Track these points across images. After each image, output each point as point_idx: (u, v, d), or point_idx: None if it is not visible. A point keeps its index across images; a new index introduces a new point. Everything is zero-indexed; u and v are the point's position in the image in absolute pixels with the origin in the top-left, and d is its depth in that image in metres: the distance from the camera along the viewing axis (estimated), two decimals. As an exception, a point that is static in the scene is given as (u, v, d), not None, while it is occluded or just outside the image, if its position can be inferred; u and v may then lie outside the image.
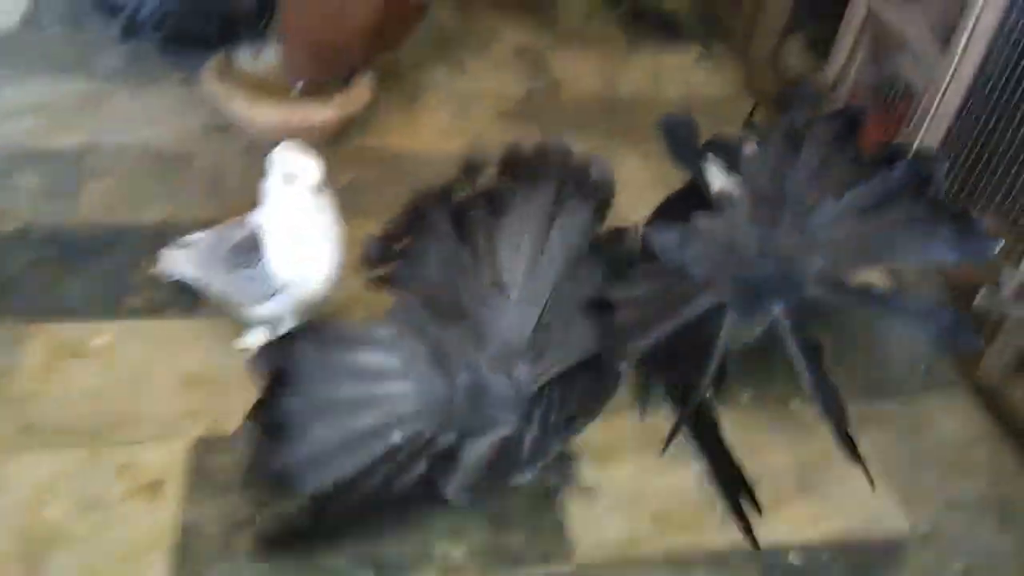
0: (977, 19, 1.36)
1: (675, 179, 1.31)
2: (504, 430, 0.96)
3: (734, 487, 1.08)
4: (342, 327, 1.04)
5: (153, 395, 1.15)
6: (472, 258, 1.01)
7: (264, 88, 1.62)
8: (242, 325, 1.23)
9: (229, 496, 1.03)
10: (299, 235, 1.12)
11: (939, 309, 1.15)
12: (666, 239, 1.13)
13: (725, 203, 1.18)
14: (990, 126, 1.43)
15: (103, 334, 1.22)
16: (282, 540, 0.95)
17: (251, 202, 1.15)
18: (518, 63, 2.01)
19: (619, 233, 1.03)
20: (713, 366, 1.10)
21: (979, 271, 1.37)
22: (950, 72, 1.41)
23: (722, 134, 1.29)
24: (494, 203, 1.02)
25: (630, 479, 1.13)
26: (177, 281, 1.26)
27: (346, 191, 1.51)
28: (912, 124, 1.50)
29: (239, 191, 1.48)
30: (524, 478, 0.97)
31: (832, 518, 1.12)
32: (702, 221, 1.16)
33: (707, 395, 1.13)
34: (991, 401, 1.30)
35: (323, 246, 1.14)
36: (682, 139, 1.23)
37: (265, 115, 1.57)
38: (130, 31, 1.70)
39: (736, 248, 1.16)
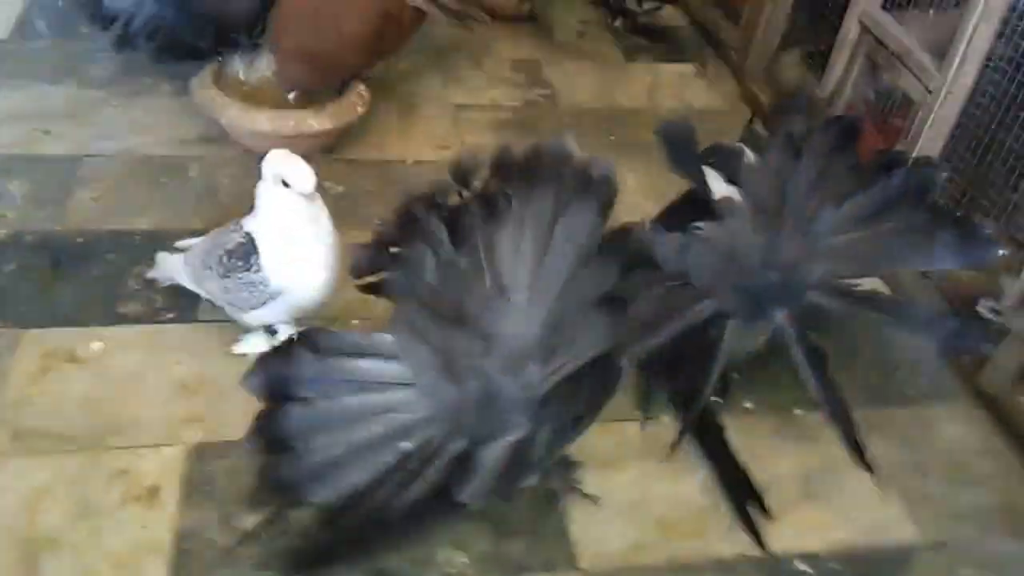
0: (973, 32, 1.42)
1: (672, 191, 1.34)
2: (516, 433, 0.98)
3: (741, 493, 1.10)
4: (342, 336, 1.04)
5: (149, 401, 1.16)
6: (470, 263, 1.01)
7: (257, 97, 1.65)
8: (238, 330, 1.24)
9: (227, 502, 1.05)
10: (293, 241, 1.14)
11: (944, 316, 1.18)
12: (667, 246, 1.16)
13: (726, 211, 1.21)
14: (988, 138, 1.48)
15: (97, 340, 1.23)
16: (304, 559, 0.95)
17: (244, 210, 1.18)
18: (514, 75, 2.06)
19: (626, 231, 1.05)
20: (716, 373, 1.12)
21: (978, 281, 1.42)
22: (947, 85, 1.47)
23: (721, 142, 1.33)
24: (490, 207, 1.02)
25: (633, 486, 1.15)
26: (172, 286, 1.28)
27: (340, 200, 1.55)
28: (909, 136, 1.55)
29: (232, 199, 1.51)
30: (535, 479, 0.98)
31: (839, 526, 1.14)
32: (703, 229, 1.19)
33: (712, 402, 1.15)
34: (995, 410, 1.33)
35: (317, 252, 1.16)
36: (681, 146, 1.26)
37: (258, 124, 1.60)
38: (123, 41, 1.73)
39: (738, 256, 1.19)
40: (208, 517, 1.03)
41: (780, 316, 1.18)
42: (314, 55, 1.64)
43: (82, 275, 1.34)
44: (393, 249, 1.03)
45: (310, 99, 1.66)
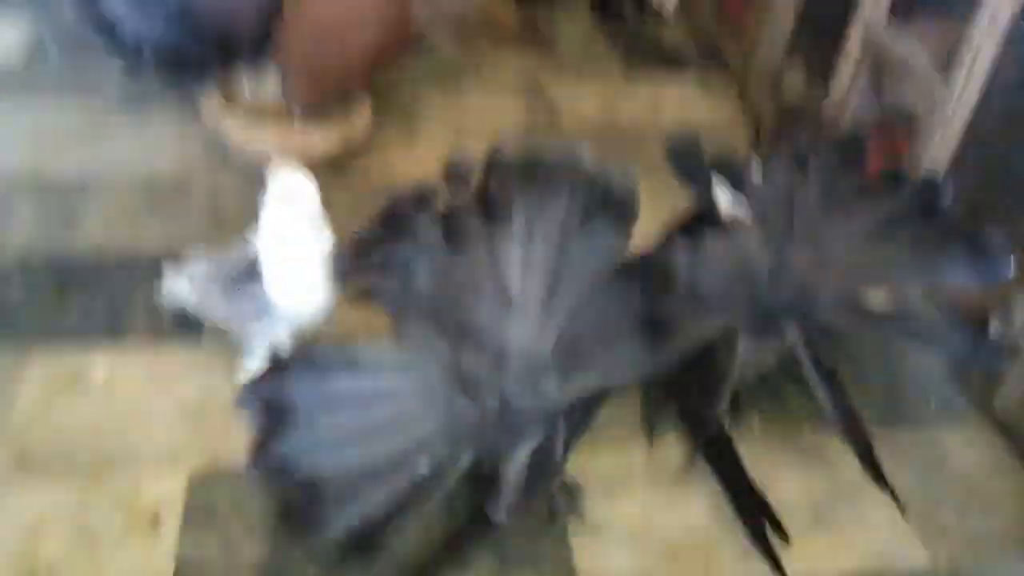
0: (979, 44, 1.39)
1: (678, 206, 1.33)
2: (533, 442, 0.95)
3: (757, 515, 1.07)
4: (338, 351, 1.00)
5: (152, 425, 1.14)
6: (470, 269, 0.98)
7: (263, 114, 1.64)
8: (243, 353, 1.23)
9: (231, 530, 1.02)
10: (296, 257, 1.13)
11: (958, 332, 1.15)
12: (675, 261, 1.14)
13: (735, 225, 1.19)
14: (996, 152, 1.46)
15: (102, 363, 1.21)
16: None
17: (251, 228, 1.16)
18: (517, 91, 2.04)
19: (648, 256, 1.01)
20: (727, 391, 1.10)
21: (989, 299, 1.39)
22: (953, 98, 1.44)
23: (728, 154, 1.31)
24: (489, 210, 0.99)
25: (639, 512, 1.13)
26: (177, 308, 1.26)
27: (344, 216, 1.54)
28: (915, 150, 1.53)
29: (238, 217, 1.48)
30: (559, 479, 0.95)
31: (850, 551, 1.11)
32: (712, 243, 1.17)
33: (723, 421, 1.13)
34: (1008, 432, 1.30)
35: (321, 269, 1.14)
36: (689, 158, 1.24)
37: (264, 141, 1.59)
38: (134, 61, 1.73)
39: (748, 271, 1.17)
40: (211, 545, 1.01)
41: (791, 332, 1.16)
42: (319, 71, 1.63)
43: (88, 297, 1.32)
44: (378, 252, 0.99)
45: (316, 115, 1.65)
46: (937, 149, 1.48)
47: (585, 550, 1.07)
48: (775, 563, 1.04)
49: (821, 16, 1.93)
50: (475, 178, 0.99)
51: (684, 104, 2.09)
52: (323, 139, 1.62)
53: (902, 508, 1.09)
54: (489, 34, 2.11)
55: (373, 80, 1.74)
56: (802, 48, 1.98)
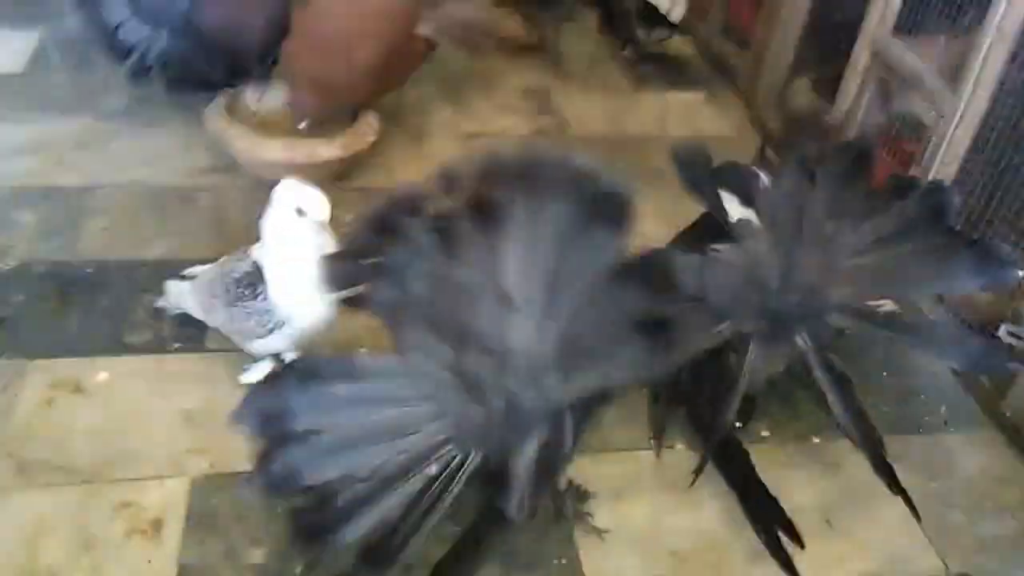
0: (986, 56, 1.41)
1: (686, 217, 1.34)
2: (539, 437, 0.95)
3: (770, 520, 1.07)
4: (336, 362, 1.00)
5: (154, 432, 1.15)
6: (467, 273, 0.97)
7: (269, 127, 1.66)
8: (246, 359, 1.23)
9: (232, 536, 1.03)
10: (300, 269, 1.14)
11: (967, 337, 1.16)
12: (685, 268, 1.15)
13: (744, 233, 1.20)
14: (1003, 162, 1.47)
15: (103, 370, 1.22)
16: None
17: (253, 239, 1.17)
18: (524, 104, 2.07)
19: (649, 254, 1.01)
20: (738, 396, 1.10)
21: (996, 305, 1.39)
22: (960, 109, 1.46)
23: (735, 162, 1.32)
24: (485, 215, 0.98)
25: (647, 517, 1.13)
26: (179, 316, 1.27)
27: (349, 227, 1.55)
28: (923, 160, 1.54)
29: (242, 228, 1.50)
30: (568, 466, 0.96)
31: (861, 555, 1.11)
32: (721, 251, 1.18)
33: (734, 426, 1.13)
34: (1018, 437, 1.30)
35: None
36: (696, 168, 1.25)
37: (269, 154, 1.61)
38: (138, 72, 1.75)
39: (757, 278, 1.18)
40: (213, 551, 1.01)
41: (801, 338, 1.17)
42: (325, 83, 1.65)
43: (90, 305, 1.33)
44: (369, 259, 0.97)
45: (321, 128, 1.67)
46: (945, 157, 1.50)
47: (593, 556, 1.07)
48: (788, 567, 1.04)
49: (828, 27, 1.95)
50: (468, 183, 0.99)
51: (692, 115, 2.11)
52: (329, 151, 1.63)
53: (916, 512, 1.09)
54: (497, 46, 2.13)
55: (381, 93, 1.76)
56: (809, 59, 2.01)
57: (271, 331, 1.17)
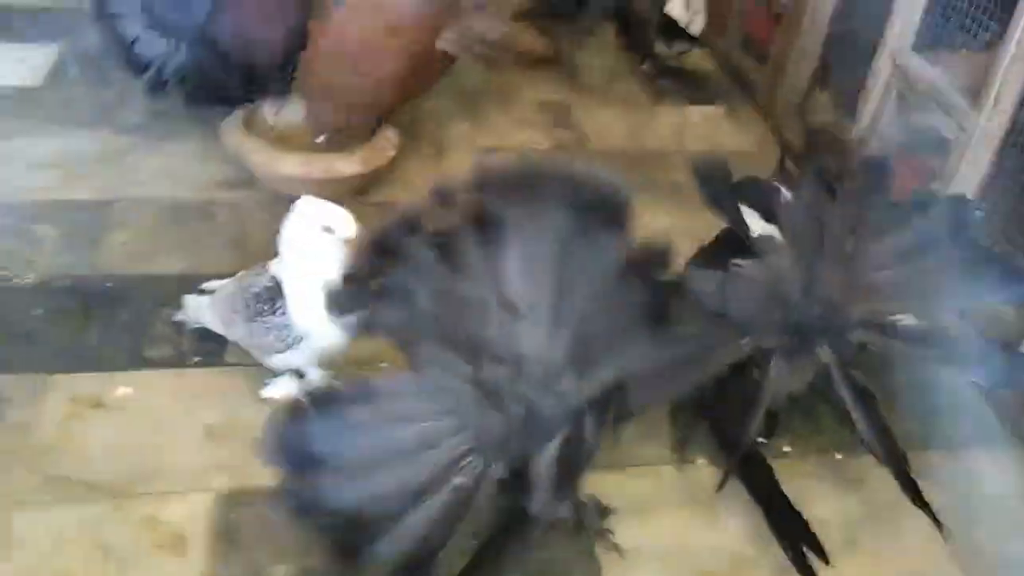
0: (1007, 71, 1.43)
1: (706, 231, 1.36)
2: (561, 438, 0.99)
3: (795, 535, 1.09)
4: (357, 386, 1.04)
5: (176, 447, 1.17)
6: (472, 285, 1.01)
7: (286, 142, 1.70)
8: (266, 374, 1.26)
9: (255, 551, 1.05)
10: (319, 285, 1.16)
11: (991, 352, 1.17)
12: (707, 284, 1.17)
13: (766, 248, 1.22)
14: (1024, 177, 1.49)
15: (124, 385, 1.25)
16: None
17: (272, 253, 1.21)
18: (542, 118, 2.10)
19: (649, 249, 1.05)
20: (761, 410, 1.12)
21: (1019, 321, 1.40)
22: (981, 124, 1.48)
23: (755, 177, 1.35)
24: (484, 228, 1.01)
25: (670, 533, 1.14)
26: (198, 330, 1.30)
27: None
28: (944, 176, 1.56)
29: (261, 243, 1.54)
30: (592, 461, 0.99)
31: (885, 574, 1.12)
32: (743, 266, 1.20)
33: (758, 442, 1.14)
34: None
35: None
36: (716, 182, 1.28)
37: (287, 168, 1.64)
38: (156, 86, 1.80)
39: (779, 292, 1.20)
40: (236, 566, 1.04)
41: (824, 354, 1.19)
42: (344, 97, 1.69)
43: (111, 319, 1.37)
44: (374, 282, 1.01)
45: (340, 142, 1.70)
46: (967, 172, 1.52)
47: (615, 571, 1.09)
48: None
49: (848, 42, 1.98)
50: (464, 197, 1.02)
51: (711, 129, 2.14)
52: (347, 166, 1.67)
53: (942, 529, 1.10)
54: (516, 60, 2.17)
55: (399, 107, 1.80)
56: (829, 73, 2.04)
57: (290, 346, 1.20)
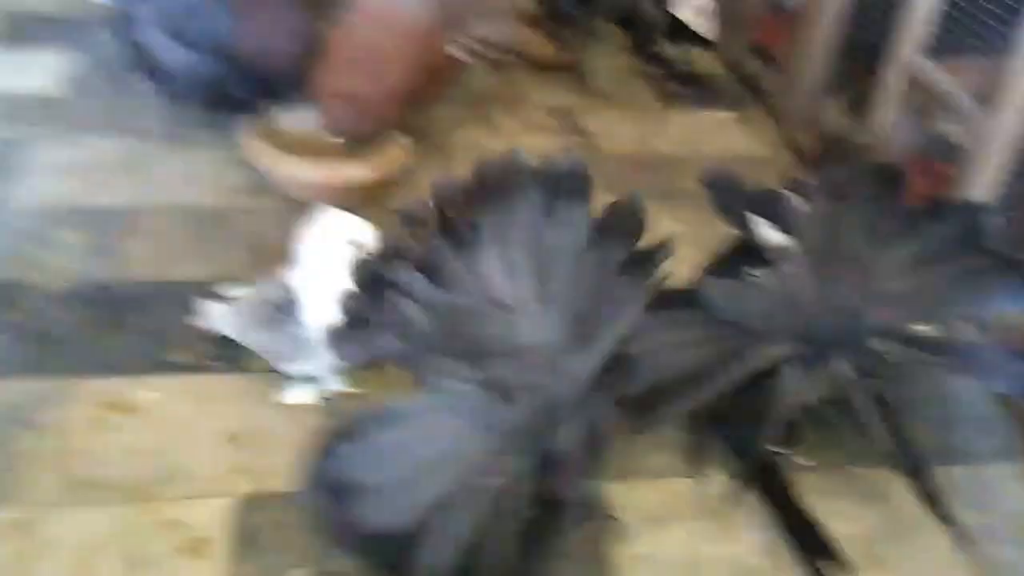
0: (1019, 77, 1.44)
1: (715, 238, 1.37)
2: (577, 416, 1.02)
3: (813, 549, 1.10)
4: (375, 411, 1.06)
5: (198, 451, 1.20)
6: (460, 294, 1.05)
7: (302, 149, 1.72)
8: (284, 379, 1.29)
9: (275, 554, 1.08)
10: (335, 294, 1.18)
11: (1011, 362, 1.17)
12: (721, 294, 1.18)
13: (780, 258, 1.23)
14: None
15: (149, 390, 1.28)
16: None
17: (289, 260, 1.23)
18: (551, 122, 2.12)
19: (616, 206, 1.10)
20: (776, 420, 1.13)
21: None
22: (996, 131, 1.48)
23: (766, 187, 1.36)
24: (457, 236, 1.07)
25: (684, 547, 1.15)
26: (220, 335, 1.33)
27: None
28: (959, 183, 1.57)
29: (277, 248, 1.56)
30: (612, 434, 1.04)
31: (907, 593, 1.12)
32: (758, 276, 1.21)
33: (774, 453, 1.16)
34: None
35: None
36: (727, 192, 1.29)
37: (302, 175, 1.67)
38: (176, 94, 1.83)
39: (796, 303, 1.21)
40: (256, 569, 1.06)
41: (840, 364, 1.20)
42: (358, 99, 1.71)
43: (134, 325, 1.40)
44: (369, 316, 1.07)
45: (354, 144, 1.73)
46: (982, 179, 1.52)
47: (628, 582, 1.10)
48: None
49: (859, 47, 1.99)
50: (431, 215, 1.09)
51: (722, 134, 2.15)
52: (360, 172, 1.69)
53: (967, 542, 1.11)
54: (525, 64, 2.19)
55: (411, 112, 1.82)
56: (841, 79, 2.04)
57: (308, 355, 1.23)
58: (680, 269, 1.35)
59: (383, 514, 0.97)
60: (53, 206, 1.64)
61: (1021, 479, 1.30)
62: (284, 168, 1.68)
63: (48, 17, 2.29)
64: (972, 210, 1.30)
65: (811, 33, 2.05)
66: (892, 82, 1.77)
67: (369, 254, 1.11)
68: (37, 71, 2.05)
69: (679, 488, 1.22)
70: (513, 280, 1.06)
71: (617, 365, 1.04)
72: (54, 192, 1.68)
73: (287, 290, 1.23)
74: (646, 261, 1.06)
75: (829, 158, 1.48)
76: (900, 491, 1.20)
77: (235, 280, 1.39)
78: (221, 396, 1.29)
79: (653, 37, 2.35)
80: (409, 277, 1.05)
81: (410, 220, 1.09)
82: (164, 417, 1.25)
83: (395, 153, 1.75)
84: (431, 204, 1.09)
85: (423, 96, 1.85)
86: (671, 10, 2.28)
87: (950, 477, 1.25)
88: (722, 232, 1.36)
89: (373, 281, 1.07)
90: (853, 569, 1.10)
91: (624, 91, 2.31)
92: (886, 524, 1.19)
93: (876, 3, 1.97)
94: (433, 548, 0.95)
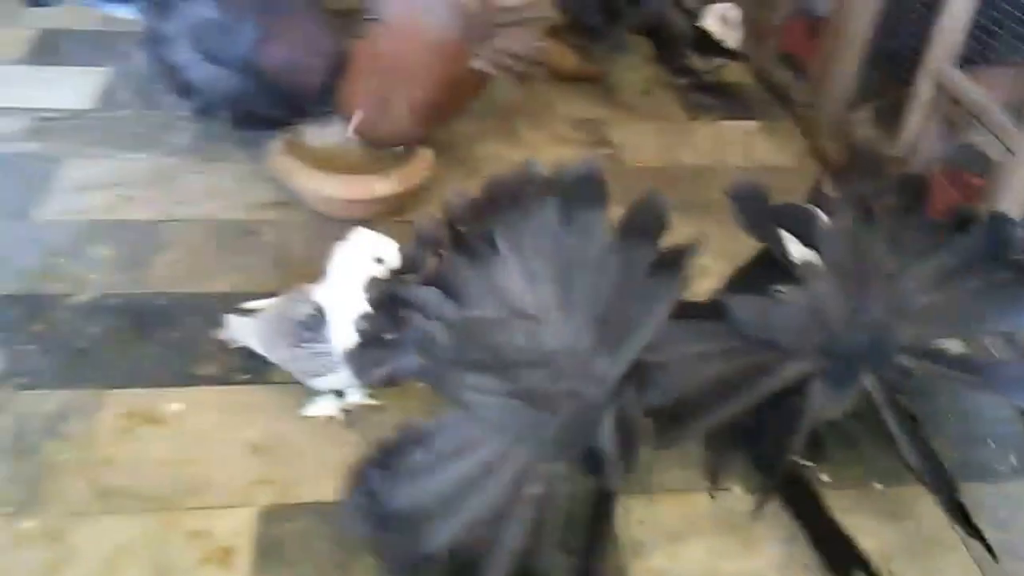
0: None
1: (743, 250, 1.38)
2: (612, 413, 1.05)
3: (846, 560, 1.11)
4: (407, 432, 1.07)
5: (223, 462, 1.24)
6: (483, 310, 1.07)
7: (327, 164, 1.76)
8: (308, 392, 1.32)
9: (298, 565, 1.11)
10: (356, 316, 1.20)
11: None
12: (749, 312, 1.20)
13: (808, 274, 1.24)
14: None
15: (176, 401, 1.32)
16: None
17: (315, 272, 1.26)
18: (576, 134, 2.15)
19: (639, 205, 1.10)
20: (803, 433, 1.15)
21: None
22: (1026, 143, 1.49)
23: (791, 203, 1.37)
24: (474, 251, 1.09)
25: (703, 563, 1.17)
26: (244, 348, 1.37)
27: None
28: (991, 196, 1.56)
29: (304, 262, 1.62)
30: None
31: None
32: (785, 292, 1.22)
33: (802, 465, 1.17)
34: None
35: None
36: (753, 205, 1.30)
37: (327, 189, 1.72)
38: (203, 110, 1.89)
39: (823, 318, 1.22)
40: (282, 579, 1.10)
41: (867, 379, 1.21)
42: (385, 106, 1.75)
43: (162, 337, 1.45)
44: (388, 336, 1.09)
45: (379, 152, 1.78)
46: (1013, 190, 1.52)
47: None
48: None
49: (889, 57, 1.99)
50: (444, 233, 1.11)
51: (749, 145, 2.16)
52: (384, 186, 1.73)
53: (993, 553, 1.11)
54: (550, 77, 2.22)
55: (436, 126, 1.86)
56: (871, 89, 2.05)
57: (332, 370, 1.26)
58: (705, 281, 1.38)
59: (436, 537, 1.00)
60: (83, 220, 1.70)
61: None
62: (310, 182, 1.72)
63: (79, 34, 2.37)
64: (998, 222, 1.30)
65: (840, 42, 2.06)
66: (922, 92, 1.78)
67: (382, 273, 1.14)
68: (68, 87, 2.13)
69: (699, 502, 1.23)
70: (534, 289, 1.08)
71: (638, 373, 1.06)
72: (84, 206, 1.74)
73: (314, 306, 1.26)
74: (673, 262, 1.07)
75: (857, 169, 1.48)
76: (920, 508, 1.21)
77: (260, 292, 1.43)
78: (245, 408, 1.33)
79: (680, 48, 2.37)
80: (424, 294, 1.08)
81: (423, 238, 1.12)
82: (190, 428, 1.29)
83: (419, 166, 1.79)
84: (442, 220, 1.12)
85: (448, 109, 1.88)
86: (698, 21, 2.29)
87: (973, 494, 1.25)
88: (747, 245, 1.37)
89: (388, 300, 1.10)
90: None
91: (650, 102, 2.33)
92: (905, 541, 1.20)
93: (907, 12, 1.98)
94: (491, 562, 0.98)
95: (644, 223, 1.09)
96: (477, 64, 1.85)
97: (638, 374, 1.07)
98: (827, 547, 1.14)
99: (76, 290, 1.53)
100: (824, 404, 1.19)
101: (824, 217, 1.34)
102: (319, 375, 1.28)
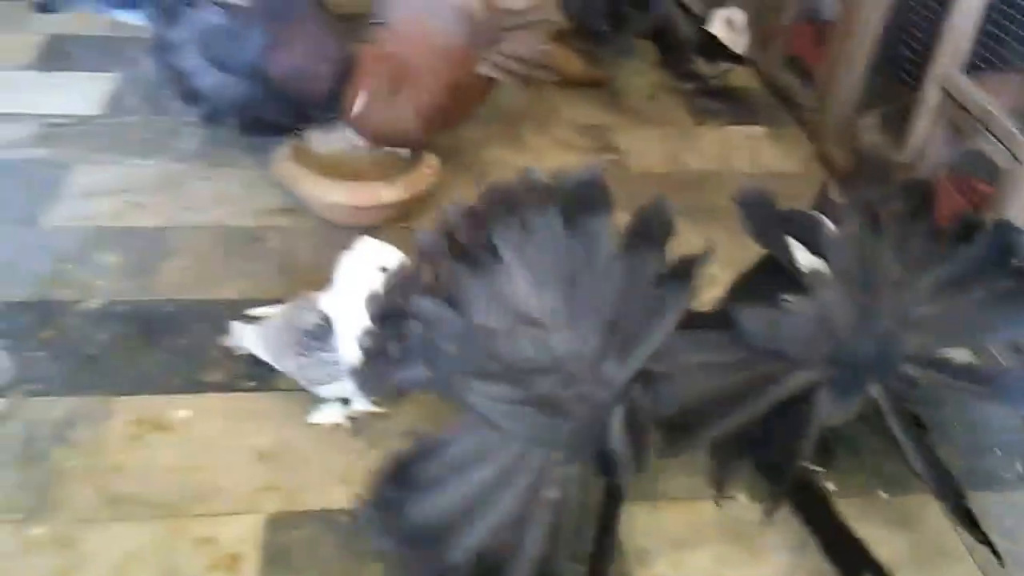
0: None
1: (747, 258, 1.38)
2: (620, 413, 1.07)
3: (857, 568, 1.11)
4: (419, 445, 1.08)
5: (230, 469, 1.25)
6: (488, 319, 1.08)
7: (333, 170, 1.78)
8: (314, 400, 1.34)
9: (304, 571, 1.12)
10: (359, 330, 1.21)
11: None
12: (757, 322, 1.21)
13: (816, 283, 1.24)
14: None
15: (183, 408, 1.34)
16: None
17: (321, 279, 1.28)
18: (582, 140, 2.16)
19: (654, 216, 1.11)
20: (811, 440, 1.15)
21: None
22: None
23: (797, 209, 1.38)
24: (476, 260, 1.09)
25: (708, 570, 1.17)
26: (251, 355, 1.39)
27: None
28: (998, 204, 1.57)
29: (310, 269, 1.63)
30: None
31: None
32: (792, 301, 1.23)
33: (811, 471, 1.18)
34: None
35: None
36: (760, 211, 1.31)
37: (333, 196, 1.73)
38: (211, 116, 1.91)
39: (831, 327, 1.22)
40: (287, 586, 1.11)
41: (874, 387, 1.21)
42: (388, 102, 1.77)
43: (169, 343, 1.46)
44: (391, 349, 1.10)
45: (385, 159, 1.80)
46: (1021, 200, 1.52)
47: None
48: None
49: (897, 62, 2.00)
50: (446, 244, 1.11)
51: (755, 150, 2.17)
52: (390, 192, 1.74)
53: (1000, 558, 1.12)
54: (556, 82, 2.23)
55: (442, 131, 1.87)
56: (877, 95, 2.05)
57: (338, 378, 1.27)
58: (711, 289, 1.38)
59: (460, 546, 1.01)
60: (90, 226, 1.72)
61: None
62: (316, 189, 1.74)
63: (87, 40, 2.39)
64: (1004, 231, 1.30)
65: (847, 47, 2.06)
66: (929, 98, 1.78)
67: (383, 286, 1.15)
68: (76, 93, 2.15)
69: (704, 510, 1.24)
70: (539, 295, 1.08)
71: (644, 382, 1.07)
72: (92, 212, 1.76)
73: (320, 315, 1.28)
74: (684, 272, 1.08)
75: (863, 175, 1.48)
76: (928, 517, 1.21)
77: (267, 301, 1.45)
78: (252, 415, 1.34)
79: (686, 53, 2.38)
80: (426, 305, 1.08)
81: (423, 250, 1.13)
82: (197, 435, 1.30)
83: (425, 173, 1.81)
84: (440, 231, 1.12)
85: (455, 114, 1.89)
86: (704, 26, 2.30)
87: (980, 503, 1.25)
88: (754, 251, 1.37)
89: (390, 313, 1.12)
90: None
91: (655, 107, 2.34)
92: (912, 550, 1.20)
93: (914, 18, 1.99)
94: (515, 567, 0.99)
95: (650, 229, 1.10)
96: (483, 69, 1.86)
97: (645, 383, 1.08)
98: (839, 554, 1.15)
99: (84, 296, 1.54)
100: (831, 412, 1.20)
101: (830, 224, 1.34)
102: (325, 383, 1.29)
